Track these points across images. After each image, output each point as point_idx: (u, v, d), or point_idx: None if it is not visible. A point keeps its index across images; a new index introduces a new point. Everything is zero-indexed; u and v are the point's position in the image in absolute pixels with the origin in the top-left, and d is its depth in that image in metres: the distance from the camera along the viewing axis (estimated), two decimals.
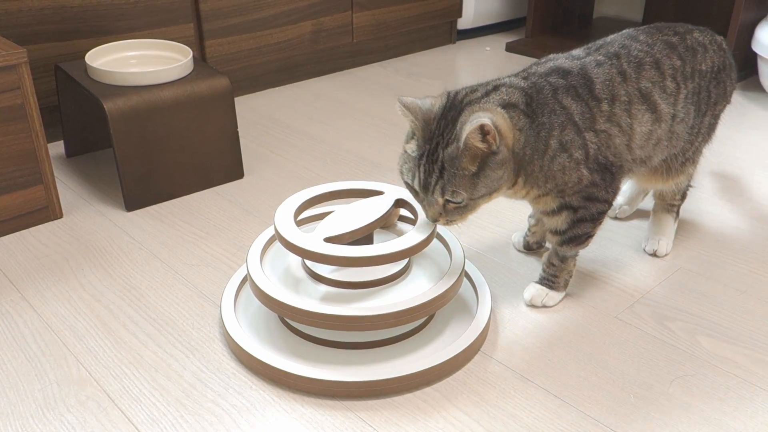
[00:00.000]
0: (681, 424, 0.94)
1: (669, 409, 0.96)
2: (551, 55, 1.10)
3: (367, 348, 1.04)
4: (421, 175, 0.96)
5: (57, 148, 1.73)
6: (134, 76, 1.45)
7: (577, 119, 1.01)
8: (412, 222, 1.21)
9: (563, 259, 1.14)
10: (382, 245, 1.00)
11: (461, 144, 0.92)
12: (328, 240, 1.02)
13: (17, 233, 1.38)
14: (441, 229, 1.17)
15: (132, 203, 1.47)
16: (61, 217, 1.44)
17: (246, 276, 1.17)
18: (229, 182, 1.59)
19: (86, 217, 1.45)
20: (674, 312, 1.16)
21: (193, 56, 1.57)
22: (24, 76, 1.29)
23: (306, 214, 1.20)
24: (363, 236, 1.06)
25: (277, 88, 2.21)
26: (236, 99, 2.07)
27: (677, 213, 1.33)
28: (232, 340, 1.04)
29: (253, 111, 2.01)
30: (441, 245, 1.17)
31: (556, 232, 1.11)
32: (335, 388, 0.97)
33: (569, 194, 1.06)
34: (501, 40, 2.73)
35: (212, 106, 1.50)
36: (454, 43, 2.70)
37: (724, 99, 1.23)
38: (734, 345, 1.09)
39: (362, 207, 1.10)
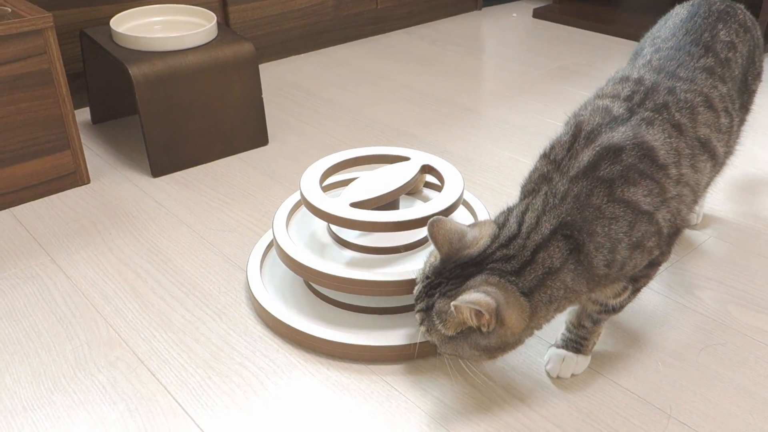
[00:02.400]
0: (710, 393, 0.93)
1: (698, 378, 0.95)
2: (586, 113, 0.89)
3: (392, 313, 1.04)
4: (417, 291, 0.88)
5: (83, 114, 1.74)
6: (159, 42, 1.44)
7: (645, 207, 0.83)
8: (438, 188, 1.20)
9: (597, 322, 0.95)
10: (408, 211, 1.00)
11: (451, 308, 0.80)
12: (354, 205, 1.02)
13: (46, 198, 1.39)
14: (467, 194, 1.16)
15: (158, 169, 1.47)
16: (88, 182, 1.45)
17: (272, 241, 1.17)
18: (253, 149, 1.59)
19: (113, 182, 1.45)
20: (704, 281, 1.15)
21: (217, 22, 1.55)
22: (50, 41, 1.29)
23: (331, 180, 1.20)
24: (389, 202, 1.06)
25: (301, 54, 2.19)
26: (260, 66, 2.06)
27: None
28: (259, 304, 1.05)
29: (276, 78, 2.00)
30: (467, 211, 1.16)
31: (610, 309, 0.93)
32: (361, 352, 0.97)
33: (633, 272, 0.89)
34: (528, 7, 2.68)
35: (236, 71, 1.50)
36: (480, 9, 2.66)
37: (747, 90, 1.08)
38: (765, 314, 1.07)
39: (388, 173, 1.09)
